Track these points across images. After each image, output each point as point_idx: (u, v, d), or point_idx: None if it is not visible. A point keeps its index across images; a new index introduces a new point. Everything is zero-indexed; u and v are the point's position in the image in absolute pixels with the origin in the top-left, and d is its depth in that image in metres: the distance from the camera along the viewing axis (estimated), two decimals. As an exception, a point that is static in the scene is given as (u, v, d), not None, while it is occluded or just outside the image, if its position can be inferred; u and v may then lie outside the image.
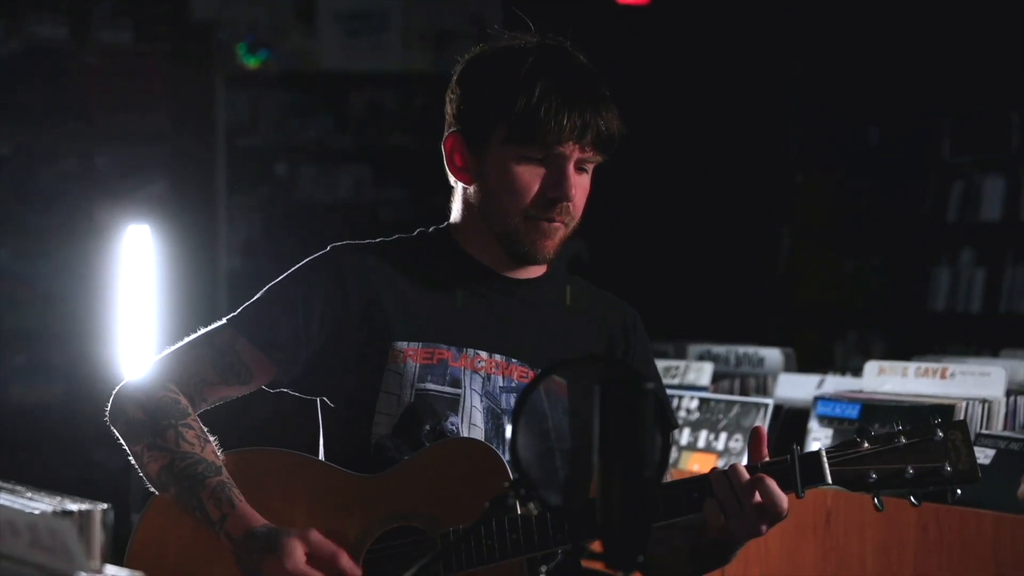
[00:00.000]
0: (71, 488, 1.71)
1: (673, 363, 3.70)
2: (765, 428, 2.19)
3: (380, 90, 6.63)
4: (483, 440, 2.26)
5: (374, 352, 2.29)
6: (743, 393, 3.62)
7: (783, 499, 2.10)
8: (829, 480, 2.11)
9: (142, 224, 5.04)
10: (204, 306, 5.71)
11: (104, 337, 5.12)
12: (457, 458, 2.21)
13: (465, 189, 2.34)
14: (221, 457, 2.25)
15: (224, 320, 2.33)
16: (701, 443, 3.41)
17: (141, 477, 2.27)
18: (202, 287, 5.99)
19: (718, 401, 3.44)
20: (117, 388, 2.31)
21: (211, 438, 2.26)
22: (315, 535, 2.14)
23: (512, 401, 2.29)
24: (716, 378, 3.64)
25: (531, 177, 2.26)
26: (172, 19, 6.22)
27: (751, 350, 3.79)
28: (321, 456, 2.35)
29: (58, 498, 1.59)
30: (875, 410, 3.04)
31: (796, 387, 3.45)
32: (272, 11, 6.45)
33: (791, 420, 3.29)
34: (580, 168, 2.27)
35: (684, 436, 3.43)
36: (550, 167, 2.25)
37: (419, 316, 2.31)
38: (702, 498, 2.11)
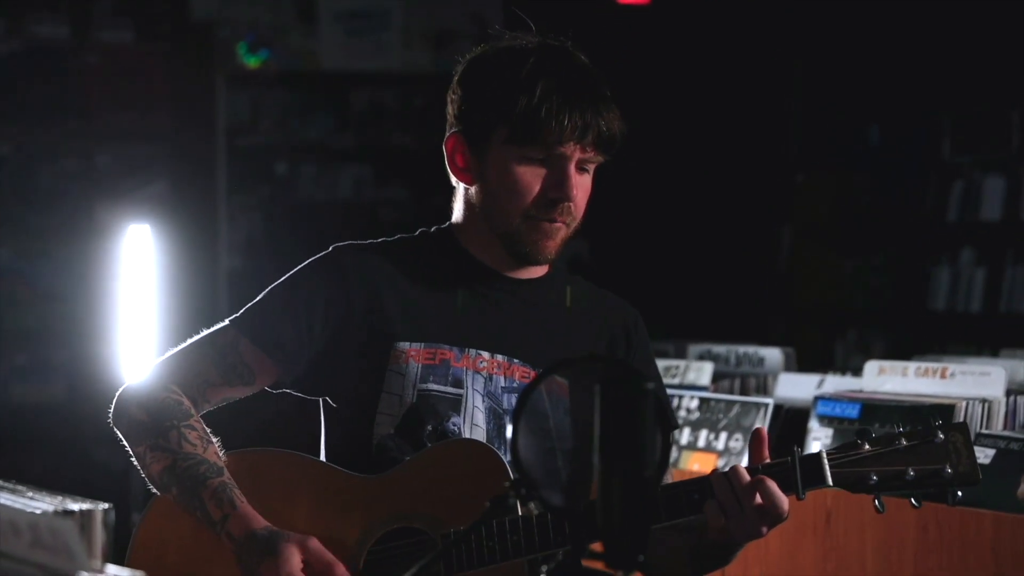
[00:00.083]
0: (72, 488, 1.71)
1: (673, 363, 3.70)
2: (766, 429, 2.19)
3: (380, 90, 6.63)
4: (485, 440, 2.26)
5: (376, 352, 2.29)
6: (743, 393, 3.62)
7: (784, 501, 2.10)
8: (830, 482, 2.11)
9: (143, 223, 5.03)
10: (205, 306, 5.71)
11: (105, 337, 5.11)
12: (458, 459, 2.21)
13: (467, 189, 2.34)
14: (223, 458, 2.25)
15: (226, 321, 2.33)
16: (701, 443, 3.41)
17: (142, 477, 2.28)
18: (202, 287, 5.99)
19: (718, 401, 3.44)
20: (120, 390, 2.31)
21: (213, 439, 2.26)
22: (314, 543, 2.14)
23: (514, 401, 2.29)
24: (716, 378, 3.63)
25: (532, 177, 2.26)
26: (172, 18, 6.22)
27: (751, 350, 3.79)
28: (323, 456, 2.35)
29: (59, 498, 1.59)
30: (875, 410, 3.04)
31: (796, 387, 3.45)
32: (273, 10, 6.44)
33: (791, 420, 3.29)
34: (581, 168, 2.27)
35: (684, 436, 3.43)
36: (551, 167, 2.25)
37: (421, 317, 2.31)
38: (703, 499, 2.11)
